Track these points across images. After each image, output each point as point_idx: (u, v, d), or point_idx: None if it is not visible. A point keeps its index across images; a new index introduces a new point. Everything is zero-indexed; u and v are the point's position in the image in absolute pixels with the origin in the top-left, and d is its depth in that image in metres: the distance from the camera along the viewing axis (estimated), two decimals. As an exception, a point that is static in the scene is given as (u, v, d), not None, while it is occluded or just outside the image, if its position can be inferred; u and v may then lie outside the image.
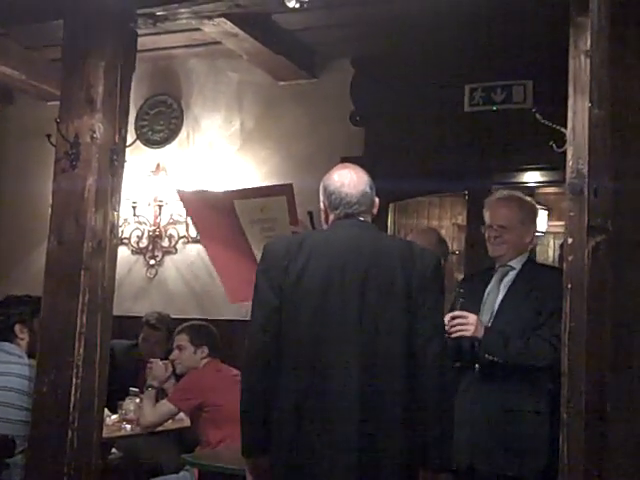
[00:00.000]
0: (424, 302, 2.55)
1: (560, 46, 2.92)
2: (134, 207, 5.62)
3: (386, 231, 4.97)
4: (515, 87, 4.79)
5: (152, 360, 4.47)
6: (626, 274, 2.61)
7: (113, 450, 4.19)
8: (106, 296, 3.34)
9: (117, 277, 3.47)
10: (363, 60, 5.15)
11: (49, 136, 3.38)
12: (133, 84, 3.57)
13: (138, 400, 4.32)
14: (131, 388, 4.44)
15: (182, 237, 5.63)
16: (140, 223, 5.72)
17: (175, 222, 5.65)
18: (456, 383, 3.12)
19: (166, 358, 4.45)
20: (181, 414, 4.21)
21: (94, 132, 3.32)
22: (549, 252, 7.70)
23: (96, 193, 3.30)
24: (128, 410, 4.30)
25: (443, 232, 7.60)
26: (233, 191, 4.47)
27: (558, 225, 6.79)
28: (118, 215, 3.46)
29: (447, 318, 3.04)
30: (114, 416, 4.26)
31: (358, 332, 2.52)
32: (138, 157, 5.39)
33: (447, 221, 7.53)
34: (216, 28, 4.46)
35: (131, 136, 3.66)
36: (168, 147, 5.78)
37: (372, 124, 5.11)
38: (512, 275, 3.30)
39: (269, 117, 5.53)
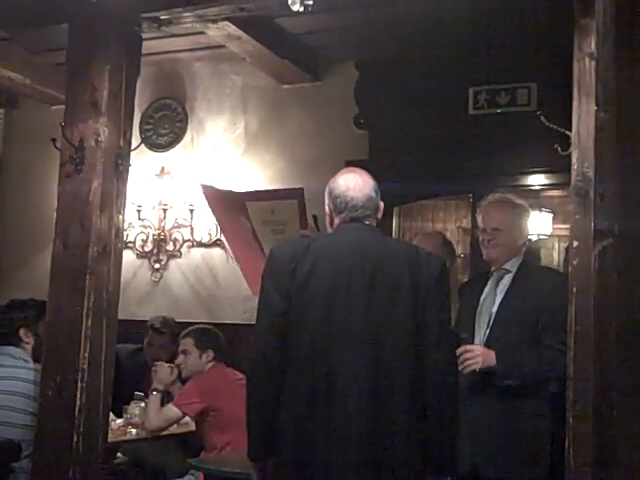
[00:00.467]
0: (431, 307, 2.54)
1: (564, 48, 2.92)
2: (139, 211, 5.63)
3: (390, 234, 4.96)
4: (519, 90, 4.79)
5: (157, 363, 4.47)
6: (632, 278, 2.60)
7: (118, 454, 4.18)
8: (111, 300, 3.34)
9: (122, 281, 3.48)
10: (367, 63, 5.14)
11: (54, 140, 3.38)
12: (137, 88, 3.57)
13: (143, 404, 4.31)
14: (136, 392, 4.44)
15: (187, 241, 5.63)
16: (145, 227, 5.72)
17: (180, 226, 5.65)
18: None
19: (171, 362, 4.45)
20: (186, 418, 4.20)
21: (99, 136, 3.33)
22: (554, 255, 7.68)
23: (101, 197, 3.31)
24: (133, 414, 4.29)
25: (448, 235, 7.61)
26: (246, 192, 4.55)
27: (563, 228, 6.77)
28: (123, 219, 3.47)
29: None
30: (119, 420, 4.26)
31: (364, 337, 2.51)
32: (143, 161, 5.40)
33: (452, 224, 7.52)
34: (220, 31, 4.47)
35: (136, 140, 3.67)
36: (172, 150, 5.79)
37: (376, 127, 5.11)
38: (508, 278, 3.32)
39: (273, 120, 5.53)
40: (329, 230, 2.77)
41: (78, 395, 3.17)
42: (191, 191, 5.56)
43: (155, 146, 5.79)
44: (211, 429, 4.09)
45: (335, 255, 2.60)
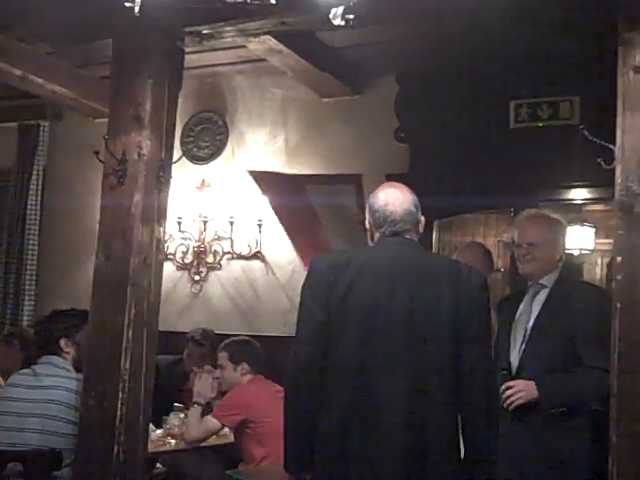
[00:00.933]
0: (471, 323, 2.53)
1: (608, 61, 2.89)
2: (179, 223, 5.67)
3: (430, 249, 4.93)
4: (562, 103, 4.75)
5: (196, 369, 4.49)
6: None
7: (157, 465, 4.20)
8: (152, 311, 3.37)
9: (162, 293, 3.50)
10: (408, 76, 5.13)
11: (97, 153, 3.43)
12: (179, 101, 3.61)
13: (182, 415, 4.34)
14: (175, 404, 4.46)
15: (227, 253, 5.66)
16: (185, 239, 5.77)
17: (220, 238, 5.69)
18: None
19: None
20: (225, 430, 4.21)
21: (141, 149, 3.36)
22: (596, 270, 7.59)
23: (142, 209, 3.34)
24: (173, 425, 4.32)
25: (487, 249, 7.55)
26: (305, 175, 4.64)
27: (605, 243, 6.69)
28: (164, 231, 3.50)
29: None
30: (159, 431, 4.28)
31: (404, 352, 2.50)
32: (183, 173, 5.44)
33: (492, 238, 7.46)
34: (261, 45, 4.50)
35: (177, 152, 3.70)
36: (213, 163, 5.83)
37: (417, 140, 5.10)
38: (544, 293, 3.32)
39: (313, 133, 5.55)
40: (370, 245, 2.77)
41: (119, 405, 3.20)
42: (231, 203, 5.60)
43: (196, 159, 5.84)
44: (249, 441, 4.09)
45: (376, 268, 2.59)
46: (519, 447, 3.14)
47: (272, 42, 4.43)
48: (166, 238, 3.86)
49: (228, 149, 5.80)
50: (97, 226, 3.44)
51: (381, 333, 2.51)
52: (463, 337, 2.50)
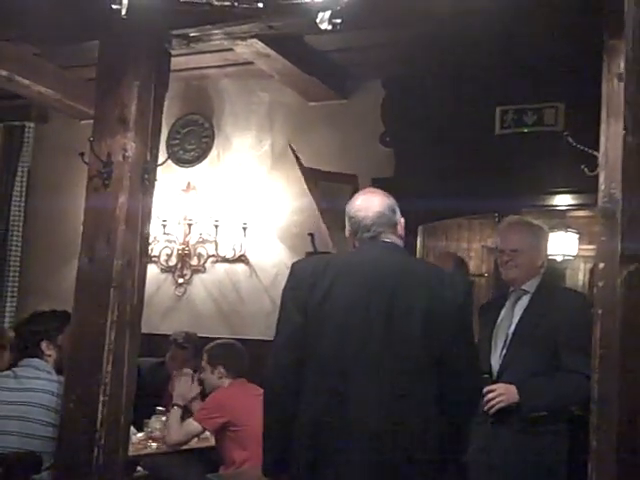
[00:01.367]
0: (455, 330, 2.53)
1: (593, 68, 2.91)
2: (164, 225, 5.66)
3: (415, 253, 4.94)
4: (547, 110, 4.78)
5: (180, 371, 4.48)
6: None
7: (138, 468, 4.18)
8: (135, 314, 3.35)
9: (146, 295, 3.49)
10: (394, 81, 5.15)
11: (82, 154, 3.41)
12: (165, 103, 3.60)
13: (164, 418, 4.32)
14: (157, 407, 4.44)
15: (211, 256, 5.66)
16: (170, 241, 5.76)
17: (204, 241, 5.68)
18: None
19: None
20: (207, 433, 4.20)
21: (126, 151, 3.35)
22: (579, 276, 7.63)
23: (127, 211, 3.32)
24: (154, 428, 4.31)
25: (472, 254, 7.58)
26: (317, 170, 4.70)
27: (588, 249, 6.72)
28: (148, 233, 3.49)
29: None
30: (140, 434, 4.27)
31: (381, 355, 2.49)
32: (169, 176, 5.44)
33: (476, 243, 7.49)
34: (248, 49, 4.50)
35: (162, 155, 3.69)
36: (199, 166, 5.83)
37: (402, 145, 5.12)
38: (526, 298, 3.34)
39: (300, 137, 5.55)
40: None
41: (100, 408, 3.18)
42: (216, 207, 5.59)
43: (181, 161, 5.83)
44: (230, 444, 4.09)
45: (353, 271, 2.59)
46: (499, 451, 3.15)
47: (259, 45, 4.43)
48: (150, 240, 3.85)
49: (214, 152, 5.80)
50: (81, 228, 3.43)
51: (358, 336, 2.50)
52: (447, 343, 2.51)
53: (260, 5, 2.77)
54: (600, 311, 2.64)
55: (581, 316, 3.03)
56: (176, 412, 4.21)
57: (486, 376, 3.24)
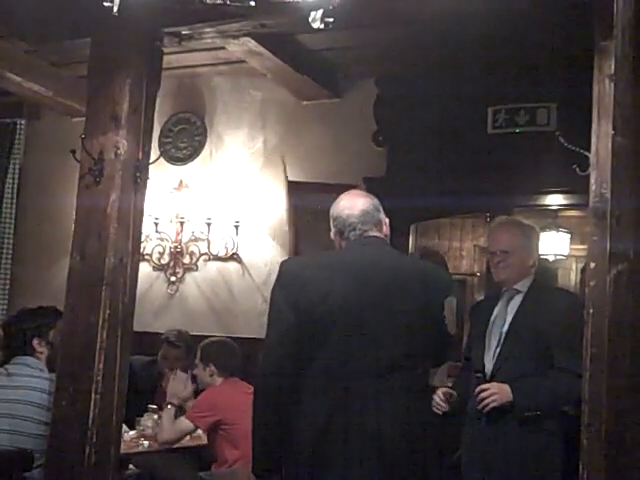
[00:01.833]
0: (441, 320, 2.56)
1: (585, 69, 2.92)
2: (156, 223, 5.65)
3: (407, 252, 4.95)
4: (539, 110, 4.78)
5: (173, 371, 4.47)
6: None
7: (130, 466, 4.18)
8: (127, 312, 3.35)
9: (138, 293, 3.49)
10: (387, 80, 5.15)
11: (74, 152, 3.41)
12: (157, 101, 3.60)
13: (156, 416, 4.32)
14: (149, 405, 4.44)
15: (203, 254, 5.65)
16: (162, 239, 5.74)
17: (197, 239, 5.67)
18: None
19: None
20: (199, 431, 4.20)
21: (118, 149, 3.35)
22: (571, 275, 7.66)
23: (119, 209, 3.33)
24: (146, 426, 4.30)
25: (464, 253, 7.60)
26: (316, 184, 4.80)
27: (580, 249, 6.75)
28: (140, 231, 3.48)
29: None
30: (132, 432, 4.26)
31: (382, 353, 2.51)
32: (161, 173, 5.42)
33: (468, 242, 7.52)
34: (241, 47, 4.49)
35: (154, 153, 3.69)
36: (191, 164, 5.81)
37: (395, 144, 5.12)
38: (519, 298, 3.35)
39: (292, 136, 5.55)
40: None
41: (92, 406, 3.18)
42: (209, 205, 5.59)
43: (174, 159, 5.82)
44: (223, 443, 4.09)
45: (348, 271, 2.60)
46: (492, 450, 3.17)
47: (252, 44, 4.42)
48: (142, 238, 3.84)
49: (206, 150, 5.79)
50: (72, 225, 3.42)
51: (359, 338, 2.51)
52: (435, 333, 2.54)
53: (252, 3, 2.76)
54: (591, 310, 2.66)
55: (573, 315, 3.04)
56: (170, 411, 4.21)
57: (479, 375, 3.25)
